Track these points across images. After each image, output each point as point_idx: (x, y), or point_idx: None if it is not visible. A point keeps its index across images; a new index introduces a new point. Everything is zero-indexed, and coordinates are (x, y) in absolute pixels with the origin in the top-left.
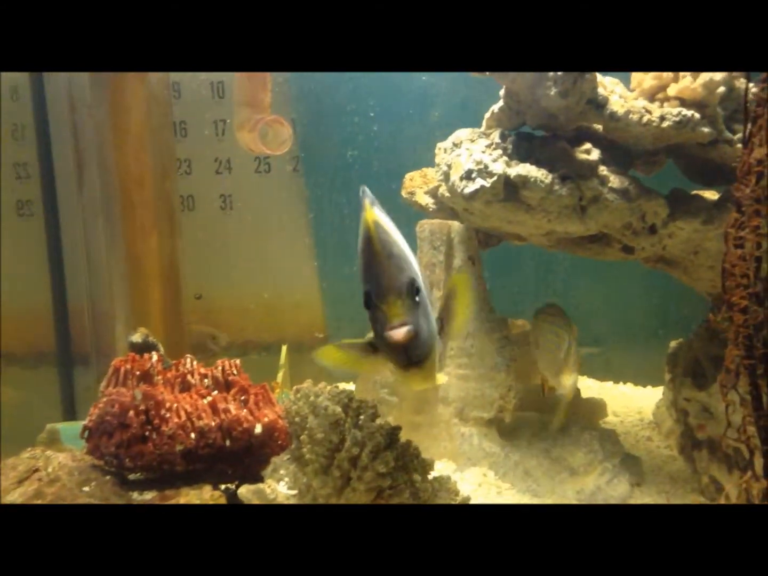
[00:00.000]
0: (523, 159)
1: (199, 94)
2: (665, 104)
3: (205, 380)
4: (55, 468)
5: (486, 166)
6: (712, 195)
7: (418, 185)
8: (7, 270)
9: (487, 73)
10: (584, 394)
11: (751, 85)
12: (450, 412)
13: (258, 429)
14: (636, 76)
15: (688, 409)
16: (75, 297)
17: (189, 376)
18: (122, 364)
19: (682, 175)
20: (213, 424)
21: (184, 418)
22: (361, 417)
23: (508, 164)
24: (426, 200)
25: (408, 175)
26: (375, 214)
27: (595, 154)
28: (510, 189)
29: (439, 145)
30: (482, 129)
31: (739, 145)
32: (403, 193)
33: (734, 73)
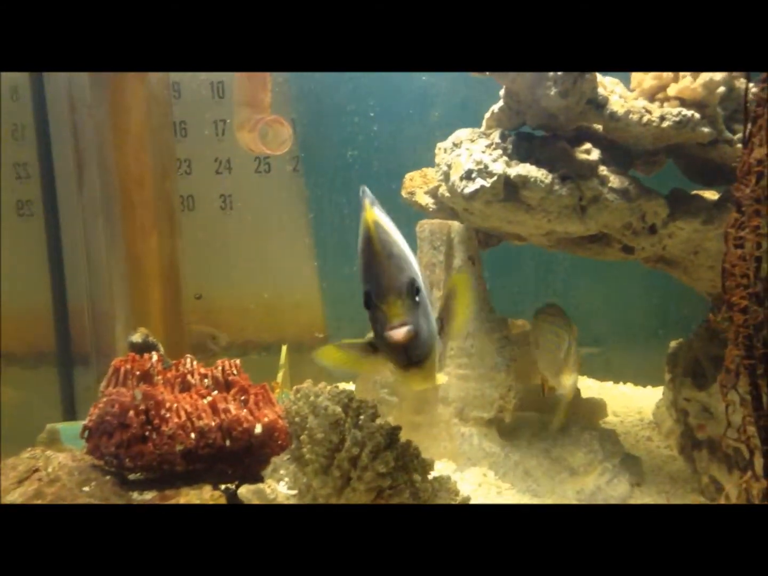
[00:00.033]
0: (523, 159)
1: (199, 94)
2: (665, 104)
3: (205, 380)
4: (55, 468)
5: (486, 166)
6: (712, 195)
7: (418, 185)
8: (7, 270)
9: (487, 73)
10: (584, 394)
11: (751, 85)
12: (450, 412)
13: (258, 429)
14: (636, 76)
15: (688, 409)
16: (75, 297)
17: (189, 376)
18: (122, 364)
19: (682, 175)
20: (213, 424)
21: (184, 418)
22: (361, 417)
23: (508, 164)
24: (426, 200)
25: (408, 175)
26: (375, 213)
27: (595, 154)
28: (510, 189)
29: (439, 145)
30: (482, 129)
31: (739, 145)
32: (403, 193)
33: (734, 73)
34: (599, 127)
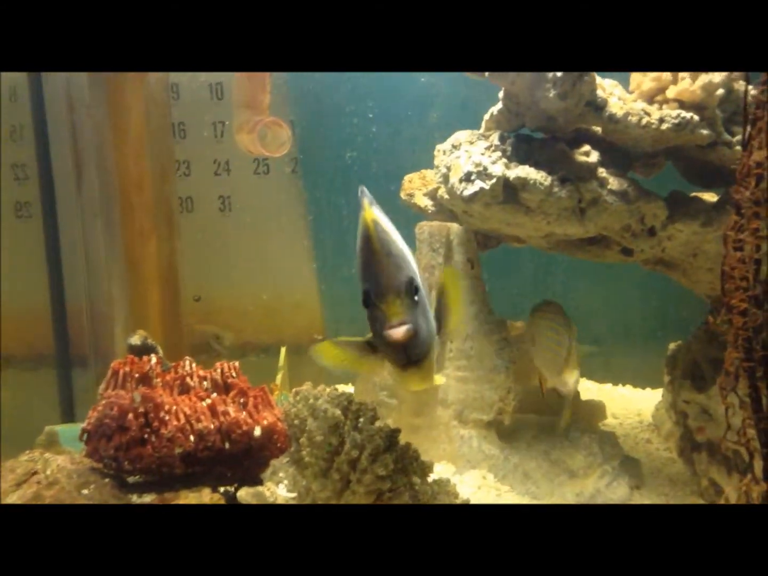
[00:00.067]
0: (522, 161)
1: (197, 96)
2: (664, 106)
3: (204, 383)
4: (53, 471)
5: (485, 168)
6: (710, 197)
7: (416, 187)
8: (6, 271)
9: (486, 75)
10: (583, 396)
11: (750, 87)
12: (449, 414)
13: (257, 432)
14: (635, 78)
15: (687, 411)
16: (73, 298)
17: (188, 379)
18: (121, 367)
19: (681, 177)
20: (212, 426)
21: (183, 420)
22: (361, 420)
23: (507, 166)
24: (425, 202)
25: (407, 177)
26: (374, 213)
27: (594, 156)
28: (509, 191)
29: (438, 147)
30: (481, 131)
31: (738, 148)
32: (402, 195)
33: (733, 75)
34: (598, 129)
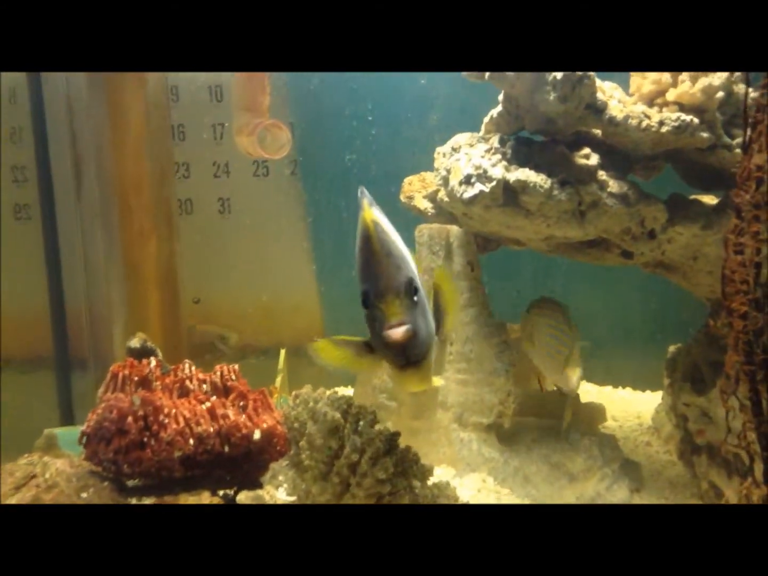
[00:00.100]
0: (522, 164)
1: (197, 98)
2: (664, 109)
3: (204, 386)
4: (52, 474)
5: (485, 171)
6: (710, 200)
7: (416, 189)
8: (5, 274)
9: (486, 77)
10: (583, 399)
11: (750, 90)
12: (449, 417)
13: (257, 435)
14: (634, 81)
15: (687, 414)
16: (73, 301)
17: (187, 382)
18: (120, 370)
19: (681, 179)
20: (211, 430)
21: (182, 424)
22: (361, 423)
23: (507, 169)
24: (425, 205)
25: (407, 180)
26: (373, 213)
27: (594, 159)
28: (509, 194)
29: (438, 149)
30: (481, 133)
31: (738, 150)
32: (402, 198)
33: (733, 78)
34: (598, 131)
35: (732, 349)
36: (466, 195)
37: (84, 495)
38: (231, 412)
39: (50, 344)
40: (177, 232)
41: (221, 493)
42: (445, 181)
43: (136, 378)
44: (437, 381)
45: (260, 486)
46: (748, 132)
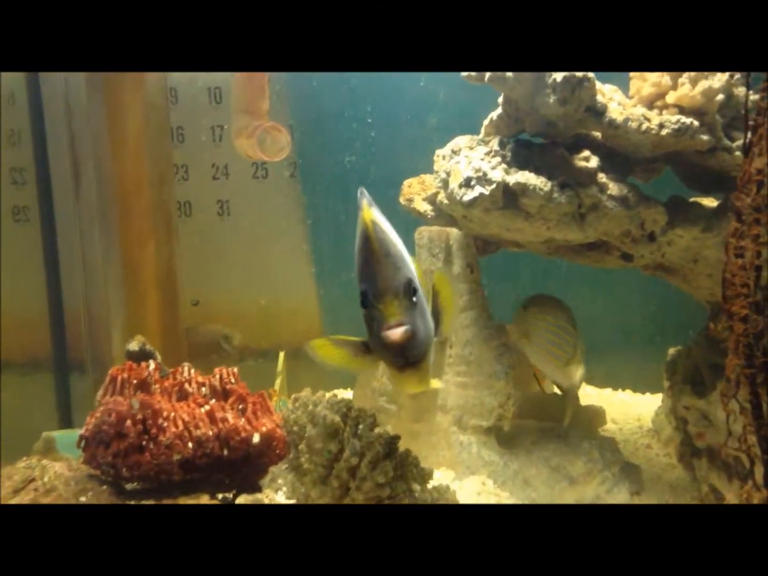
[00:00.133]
0: (521, 166)
1: (196, 100)
2: (664, 112)
3: (203, 389)
4: (51, 478)
5: (485, 174)
6: (710, 202)
7: (416, 192)
8: (4, 276)
9: (486, 80)
10: (583, 401)
11: (750, 93)
12: (449, 420)
13: (256, 438)
14: (634, 84)
15: (687, 416)
16: (71, 303)
17: (186, 385)
18: (119, 373)
19: (681, 182)
20: (210, 433)
21: (181, 427)
22: (360, 426)
23: (506, 172)
24: (424, 207)
25: (406, 182)
26: (373, 214)
27: (594, 162)
28: (509, 196)
29: (438, 152)
30: (481, 136)
31: (738, 153)
32: (402, 200)
33: (733, 81)
34: (598, 134)
35: (732, 352)
36: (466, 198)
37: (82, 498)
38: (230, 416)
39: (49, 346)
40: (176, 234)
41: (220, 496)
42: (445, 183)
43: (134, 381)
44: (435, 383)
45: (259, 489)
46: (749, 135)
